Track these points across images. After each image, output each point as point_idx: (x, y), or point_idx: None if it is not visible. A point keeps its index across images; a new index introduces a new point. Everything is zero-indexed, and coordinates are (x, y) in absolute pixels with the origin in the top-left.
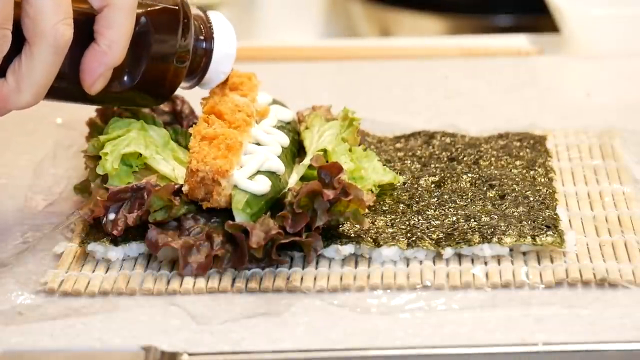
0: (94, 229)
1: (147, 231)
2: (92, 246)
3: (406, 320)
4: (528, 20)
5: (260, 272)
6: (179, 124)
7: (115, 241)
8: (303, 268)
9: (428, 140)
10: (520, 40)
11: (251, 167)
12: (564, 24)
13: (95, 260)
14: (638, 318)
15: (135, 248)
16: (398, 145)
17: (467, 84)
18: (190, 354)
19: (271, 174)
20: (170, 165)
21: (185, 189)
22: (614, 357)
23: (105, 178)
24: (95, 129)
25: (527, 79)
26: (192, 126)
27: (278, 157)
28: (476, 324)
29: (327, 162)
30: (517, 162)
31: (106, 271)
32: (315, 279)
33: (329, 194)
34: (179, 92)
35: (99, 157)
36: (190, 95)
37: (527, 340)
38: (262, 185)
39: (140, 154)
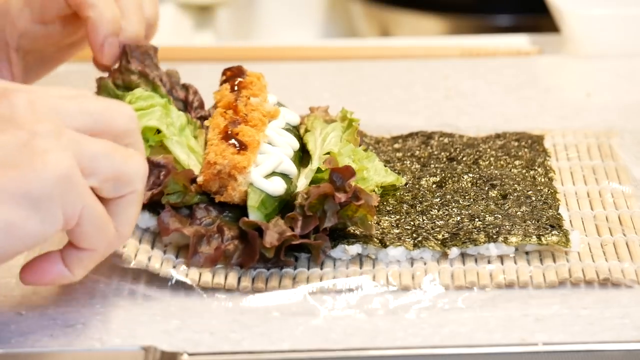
0: None
1: (161, 211)
2: None
3: (406, 320)
4: (528, 20)
5: (265, 272)
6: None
7: None
8: (308, 268)
9: (426, 140)
10: (520, 40)
11: (267, 166)
12: (564, 24)
13: None
14: (638, 318)
15: (146, 219)
16: (396, 145)
17: (467, 84)
18: (190, 354)
19: (284, 176)
20: (184, 151)
21: (200, 179)
22: (614, 357)
23: None
24: (105, 90)
25: (527, 79)
26: (200, 118)
27: (290, 159)
28: (476, 324)
29: None
30: (517, 162)
31: None
32: (321, 279)
33: (341, 196)
34: (193, 82)
35: None
36: (203, 89)
37: (527, 340)
38: (278, 186)
39: (160, 131)
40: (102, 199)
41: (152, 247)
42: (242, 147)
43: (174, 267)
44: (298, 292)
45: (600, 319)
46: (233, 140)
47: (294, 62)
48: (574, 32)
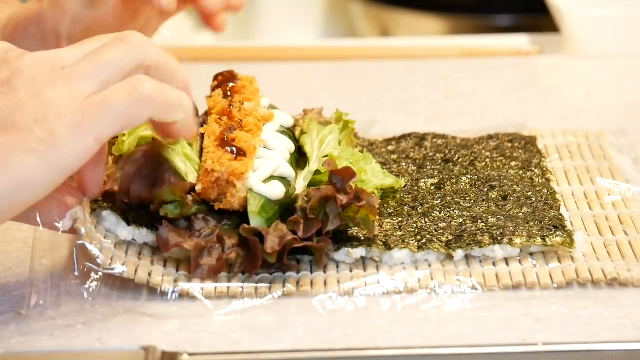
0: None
1: (159, 227)
2: (106, 213)
3: (406, 320)
4: (528, 20)
5: (268, 277)
6: None
7: (127, 219)
8: (311, 272)
9: (419, 142)
10: (520, 40)
11: (265, 171)
12: (564, 24)
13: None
14: (638, 318)
15: (144, 234)
16: (390, 147)
17: (467, 84)
18: (190, 354)
19: (283, 180)
20: (182, 159)
21: (198, 188)
22: (614, 357)
23: (117, 160)
24: None
25: (527, 79)
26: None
27: (287, 162)
28: (476, 324)
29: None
30: (513, 163)
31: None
32: (325, 283)
33: (342, 199)
34: (193, 82)
35: (115, 137)
36: (202, 89)
37: (527, 340)
38: (277, 190)
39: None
40: None
41: (152, 262)
42: (240, 153)
43: (176, 280)
44: (298, 293)
45: (600, 319)
46: (230, 147)
47: (294, 62)
48: (574, 32)
